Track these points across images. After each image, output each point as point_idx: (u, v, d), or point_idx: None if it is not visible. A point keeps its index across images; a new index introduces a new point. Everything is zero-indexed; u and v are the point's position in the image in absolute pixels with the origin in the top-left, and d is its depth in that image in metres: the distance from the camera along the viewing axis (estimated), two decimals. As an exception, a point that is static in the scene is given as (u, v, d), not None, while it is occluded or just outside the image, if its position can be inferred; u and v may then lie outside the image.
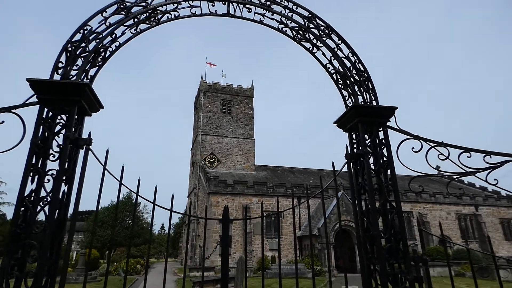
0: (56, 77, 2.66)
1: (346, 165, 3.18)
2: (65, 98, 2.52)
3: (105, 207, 46.20)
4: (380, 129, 3.16)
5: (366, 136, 3.11)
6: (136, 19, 3.20)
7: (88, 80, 2.86)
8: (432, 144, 2.97)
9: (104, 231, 42.32)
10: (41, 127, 2.44)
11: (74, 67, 2.76)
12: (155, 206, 2.74)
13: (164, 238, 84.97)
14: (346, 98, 3.45)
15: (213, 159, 36.64)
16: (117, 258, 29.29)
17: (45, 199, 2.30)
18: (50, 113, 2.53)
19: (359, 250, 2.95)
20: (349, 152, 3.20)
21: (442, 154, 2.91)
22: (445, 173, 2.90)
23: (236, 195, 29.59)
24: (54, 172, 2.37)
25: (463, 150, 2.84)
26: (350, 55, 3.47)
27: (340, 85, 3.49)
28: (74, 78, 2.70)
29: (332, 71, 3.54)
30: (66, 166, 2.42)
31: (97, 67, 2.96)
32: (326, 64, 3.58)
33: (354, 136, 3.31)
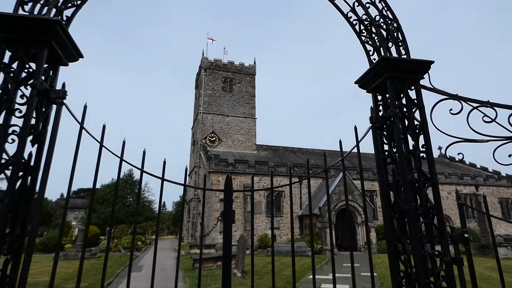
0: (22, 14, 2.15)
1: (370, 131, 2.71)
2: (31, 38, 2.02)
3: (105, 185, 46.34)
4: (412, 88, 2.68)
5: (394, 96, 2.63)
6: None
7: (64, 22, 2.35)
8: (475, 105, 2.50)
9: (105, 208, 42.63)
10: (1, 73, 1.96)
11: (46, 4, 2.24)
12: (144, 173, 2.30)
13: (165, 215, 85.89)
14: (371, 53, 2.93)
15: (214, 138, 36.23)
16: (118, 235, 29.47)
17: (7, 162, 1.85)
18: (14, 57, 2.04)
19: (385, 228, 2.54)
20: (374, 115, 2.73)
21: (487, 116, 2.44)
22: (489, 138, 2.44)
23: (237, 174, 29.37)
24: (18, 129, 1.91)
25: (515, 111, 2.37)
26: (377, 1, 2.93)
27: (363, 38, 2.97)
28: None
29: (355, 22, 3.01)
30: (33, 122, 1.97)
31: (74, 7, 2.44)
32: (347, 13, 3.04)
33: (379, 97, 2.83)
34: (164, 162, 2.39)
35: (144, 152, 2.35)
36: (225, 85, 38.87)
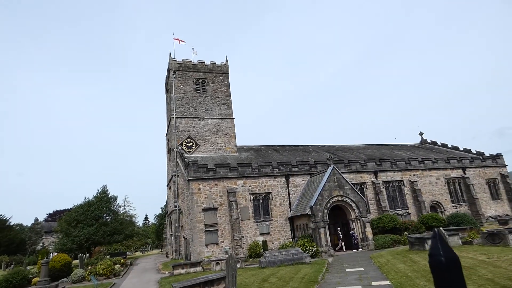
0: None
1: None
2: None
3: (78, 205, 42.63)
4: None
5: None
6: None
7: None
8: None
9: (80, 231, 38.94)
10: None
11: None
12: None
13: (148, 229, 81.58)
14: None
15: (191, 143, 33.80)
16: (93, 260, 26.48)
17: None
18: None
19: None
20: None
21: None
22: None
23: (219, 180, 27.16)
24: None
25: None
26: None
27: None
28: None
29: None
30: None
31: None
32: None
33: None
34: None
35: None
36: (198, 86, 36.51)
